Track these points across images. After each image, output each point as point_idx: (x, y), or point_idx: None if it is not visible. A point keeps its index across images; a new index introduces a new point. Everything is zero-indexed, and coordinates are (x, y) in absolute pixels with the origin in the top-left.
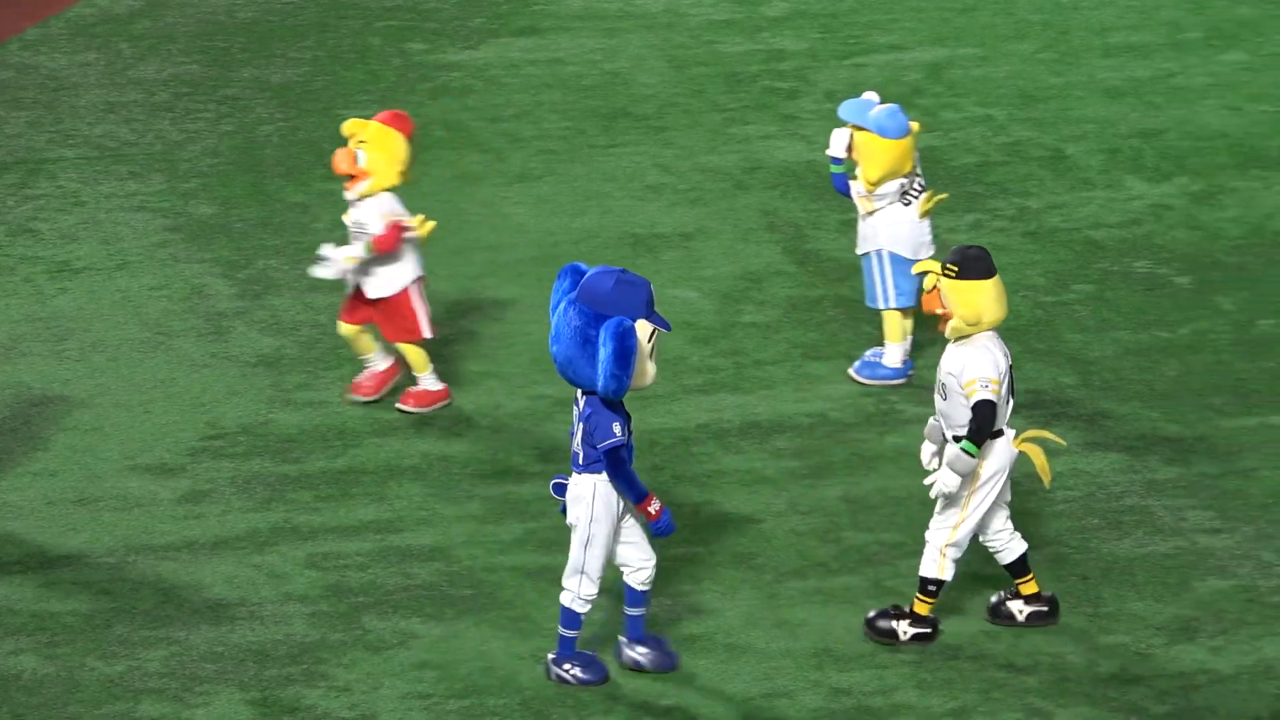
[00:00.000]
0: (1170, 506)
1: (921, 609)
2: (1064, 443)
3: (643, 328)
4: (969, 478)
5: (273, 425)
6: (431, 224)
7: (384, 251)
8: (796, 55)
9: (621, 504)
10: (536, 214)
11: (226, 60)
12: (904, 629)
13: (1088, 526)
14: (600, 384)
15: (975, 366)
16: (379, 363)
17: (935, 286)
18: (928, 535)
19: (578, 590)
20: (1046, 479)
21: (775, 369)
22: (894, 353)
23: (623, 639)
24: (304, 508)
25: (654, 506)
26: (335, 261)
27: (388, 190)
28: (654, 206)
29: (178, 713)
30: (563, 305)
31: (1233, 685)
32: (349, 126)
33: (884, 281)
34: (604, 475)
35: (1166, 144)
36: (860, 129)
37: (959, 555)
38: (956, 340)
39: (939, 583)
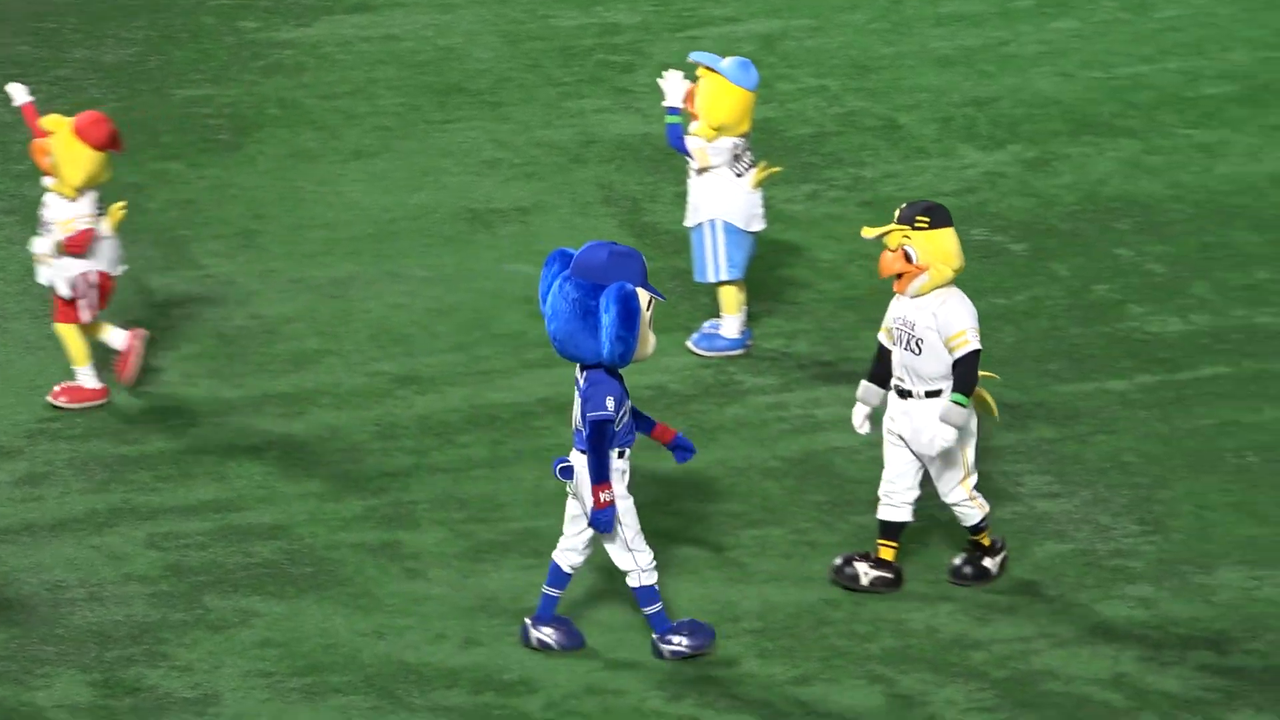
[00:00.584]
0: (1008, 472)
1: (985, 540)
2: (997, 377)
3: (640, 296)
4: (964, 433)
5: (110, 406)
6: (122, 212)
7: (73, 253)
8: (630, 29)
9: (578, 483)
10: (372, 191)
11: (58, 41)
12: (993, 564)
13: (926, 494)
14: (606, 350)
15: (961, 317)
16: (115, 343)
17: (901, 246)
18: (949, 500)
19: (637, 565)
20: (995, 413)
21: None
22: (731, 324)
23: (528, 619)
24: (143, 488)
25: (604, 496)
26: (43, 258)
27: (80, 190)
28: (490, 182)
29: (18, 695)
30: (556, 284)
31: (1072, 649)
32: (47, 123)
33: (715, 253)
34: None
35: (999, 112)
36: (711, 71)
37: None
38: (919, 295)
39: (985, 516)
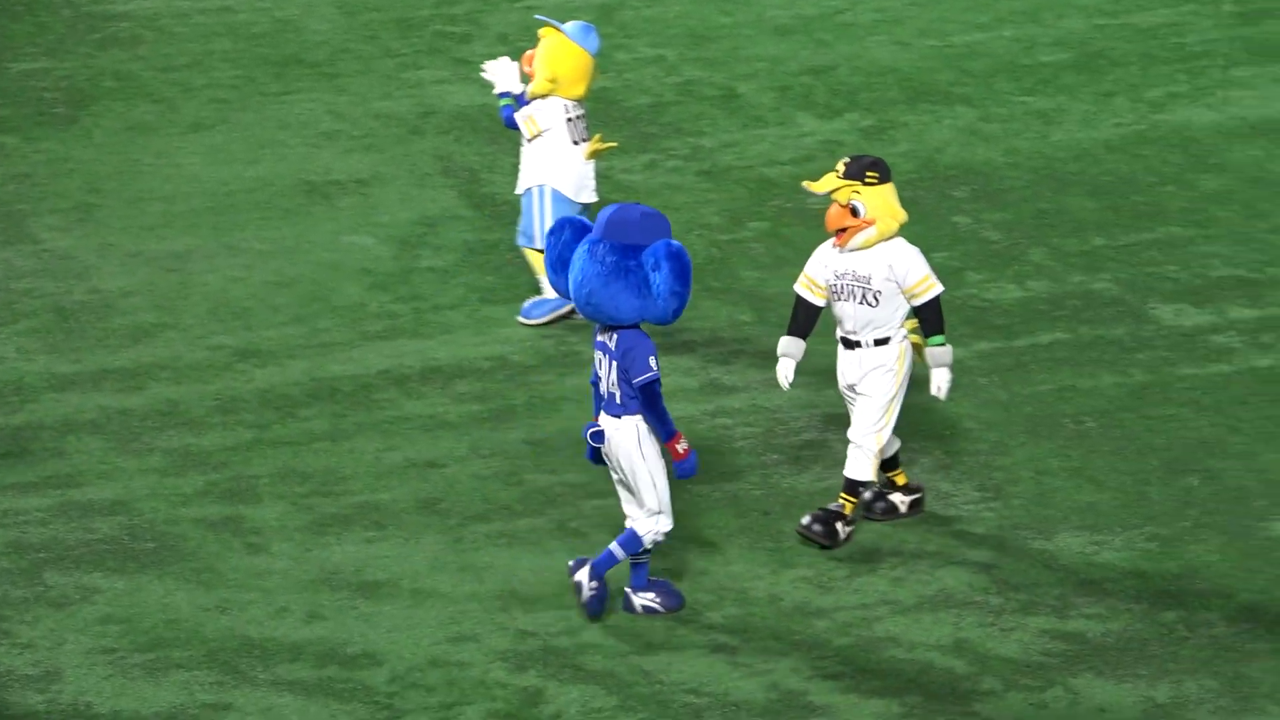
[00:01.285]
0: (847, 440)
1: (849, 507)
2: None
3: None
4: (894, 376)
5: None
6: None
7: None
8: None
9: (612, 442)
10: (210, 163)
11: None
12: (843, 531)
13: (768, 462)
14: (661, 306)
15: (921, 265)
16: None
17: (850, 201)
18: (854, 438)
19: (657, 528)
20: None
21: (454, 314)
22: (549, 285)
23: (628, 589)
24: None
25: (682, 445)
26: None
27: None
28: (328, 153)
29: None
30: (583, 249)
31: (914, 615)
32: None
33: (543, 219)
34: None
35: (837, 80)
36: (554, 29)
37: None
38: (863, 248)
39: (868, 484)
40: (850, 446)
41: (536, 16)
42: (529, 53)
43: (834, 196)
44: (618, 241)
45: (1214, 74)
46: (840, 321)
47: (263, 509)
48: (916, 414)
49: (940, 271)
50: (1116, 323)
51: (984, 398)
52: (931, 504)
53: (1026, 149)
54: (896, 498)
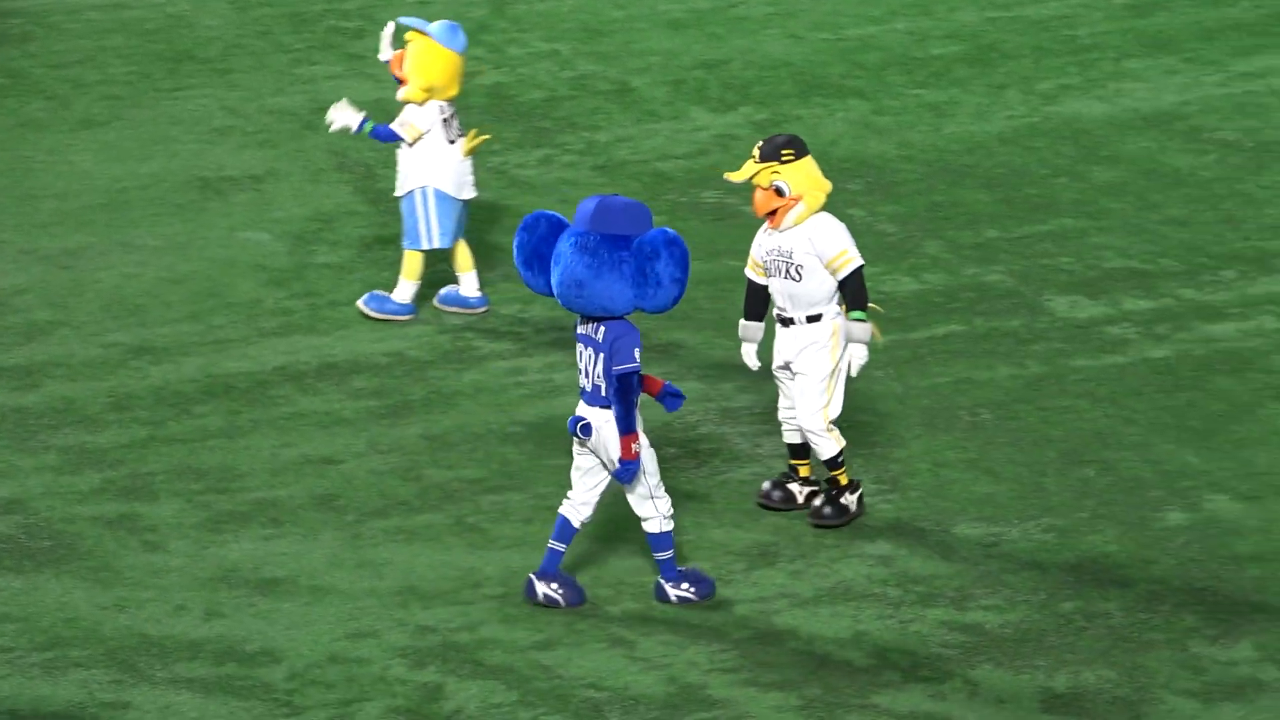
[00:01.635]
0: (746, 433)
1: (843, 477)
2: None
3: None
4: (828, 352)
5: None
6: None
7: None
8: None
9: (600, 434)
10: (103, 160)
11: None
12: (850, 501)
13: (664, 456)
14: (661, 294)
15: (839, 238)
16: None
17: (772, 183)
18: (803, 423)
19: (659, 512)
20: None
21: (350, 309)
22: (405, 290)
23: (533, 575)
24: None
25: (635, 447)
26: None
27: None
28: (222, 149)
29: None
30: (567, 243)
31: (812, 608)
32: None
33: (427, 221)
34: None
35: (730, 74)
36: (420, 34)
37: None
38: (799, 224)
39: (841, 450)
40: (808, 434)
41: (400, 21)
42: (398, 54)
43: (755, 181)
44: (606, 233)
45: (1105, 66)
46: (774, 299)
47: (159, 506)
48: None
49: None
50: (1011, 315)
51: (880, 390)
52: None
53: (920, 142)
54: (847, 499)
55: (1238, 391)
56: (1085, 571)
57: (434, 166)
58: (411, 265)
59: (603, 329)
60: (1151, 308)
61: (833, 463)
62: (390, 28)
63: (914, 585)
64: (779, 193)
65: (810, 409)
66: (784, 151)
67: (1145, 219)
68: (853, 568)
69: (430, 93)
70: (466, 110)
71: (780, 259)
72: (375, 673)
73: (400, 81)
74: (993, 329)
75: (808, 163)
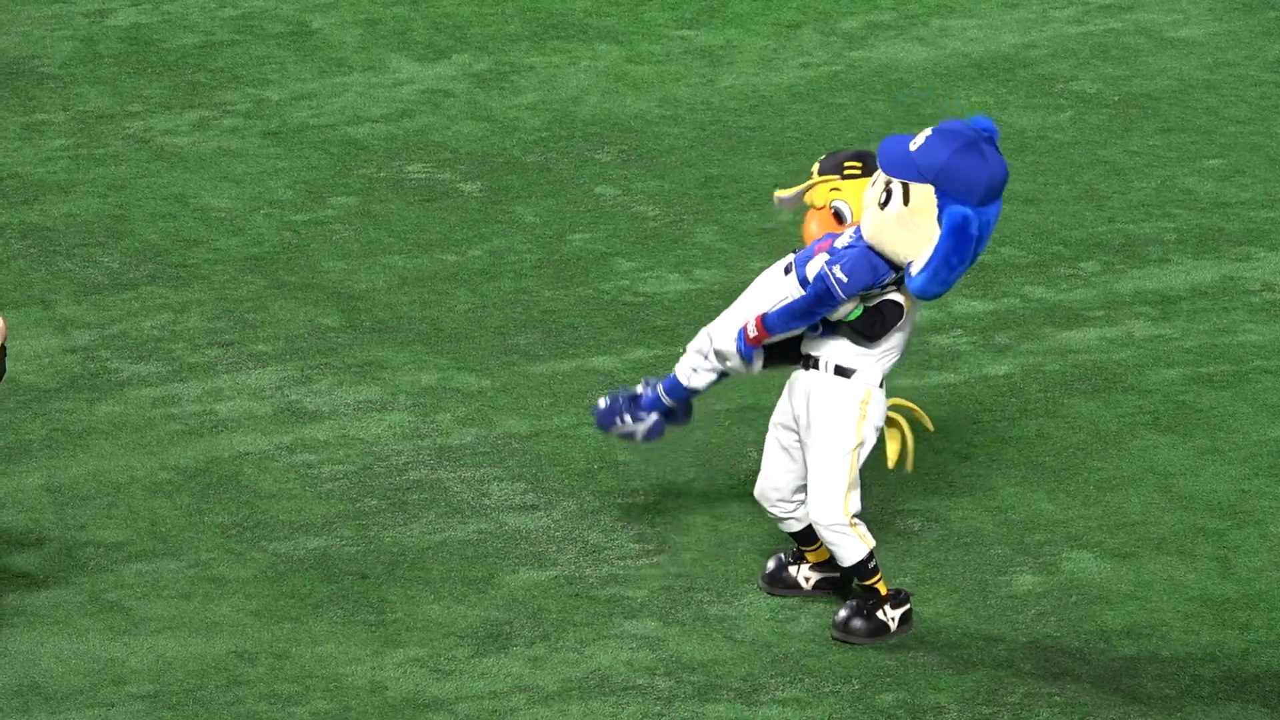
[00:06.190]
0: (469, 479)
1: (882, 586)
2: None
3: None
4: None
5: None
6: None
7: None
8: None
9: None
10: None
11: None
12: (891, 615)
13: (365, 510)
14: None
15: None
16: None
17: (828, 202)
18: (818, 521)
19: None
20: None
21: None
22: None
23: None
24: None
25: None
26: None
27: None
28: None
29: None
30: None
31: (559, 705)
32: None
33: None
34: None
35: (440, 12)
36: None
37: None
38: None
39: (871, 554)
40: (820, 530)
41: None
42: None
43: (809, 199)
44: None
45: None
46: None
47: None
48: (553, 445)
49: (581, 258)
50: None
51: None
52: (577, 561)
53: (688, 98)
54: (886, 613)
55: (1102, 417)
56: (910, 652)
57: None
58: None
59: None
60: (990, 311)
61: (861, 569)
62: None
63: (689, 674)
64: (838, 217)
65: (826, 496)
66: (849, 165)
67: None
68: (610, 652)
69: None
70: (96, 60)
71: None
72: None
73: None
74: None
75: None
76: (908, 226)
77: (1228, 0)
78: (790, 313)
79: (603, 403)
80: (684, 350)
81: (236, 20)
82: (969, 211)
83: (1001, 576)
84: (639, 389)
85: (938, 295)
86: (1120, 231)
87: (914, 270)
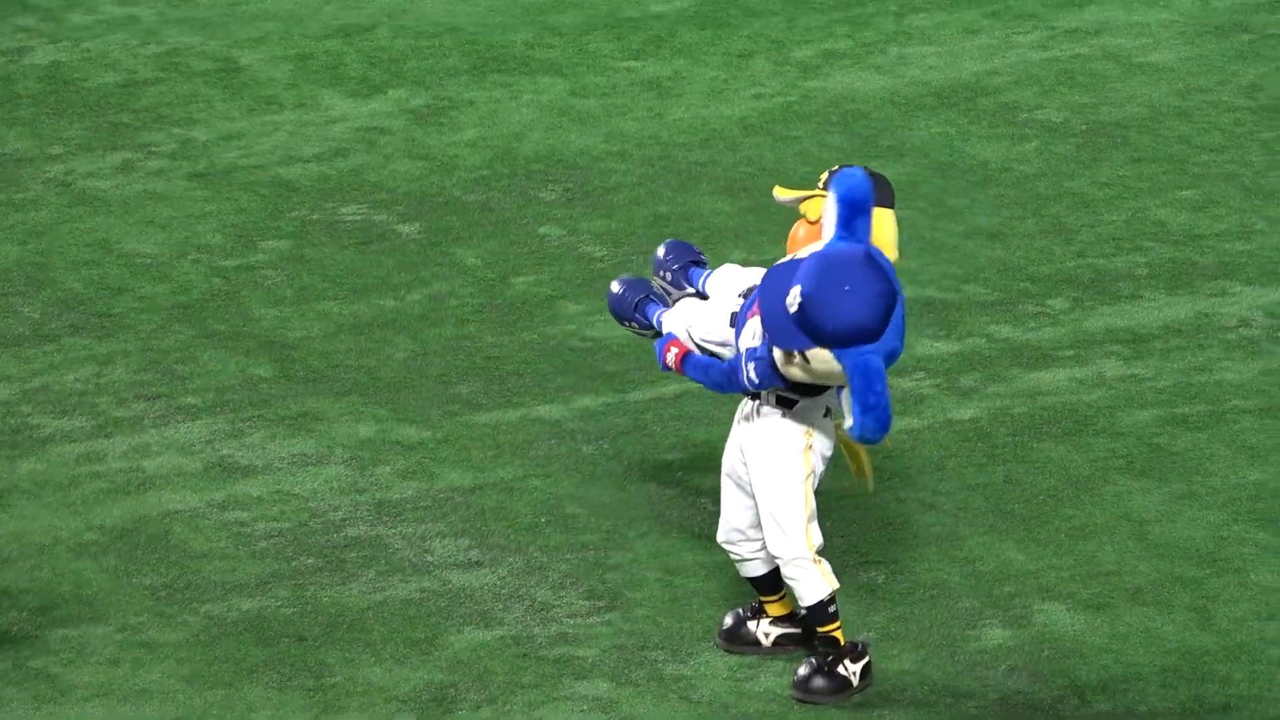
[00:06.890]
0: (410, 535)
1: (840, 635)
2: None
3: None
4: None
5: None
6: None
7: None
8: None
9: None
10: None
11: None
12: (852, 669)
13: (301, 569)
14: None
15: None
16: None
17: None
18: (780, 556)
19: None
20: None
21: None
22: None
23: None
24: None
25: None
26: None
27: None
28: None
29: None
30: None
31: None
32: None
33: None
34: None
35: (376, 44)
36: None
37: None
38: None
39: (833, 596)
40: (784, 566)
41: None
42: None
43: (803, 210)
44: None
45: (884, 24)
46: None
47: None
48: (498, 498)
49: (526, 302)
50: None
51: (591, 471)
52: (525, 619)
53: (636, 133)
54: (846, 668)
55: (1073, 462)
56: (874, 710)
57: None
58: None
59: None
60: (954, 352)
61: (822, 612)
62: None
63: None
64: None
65: (787, 531)
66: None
67: (943, 230)
68: (560, 715)
69: None
70: (13, 100)
71: None
72: None
73: None
74: None
75: (883, 216)
76: (811, 373)
77: (1199, 24)
78: (706, 374)
79: (616, 287)
80: (661, 325)
81: (161, 57)
82: (867, 352)
83: (970, 630)
84: (649, 294)
85: (883, 424)
86: (1090, 266)
87: (845, 425)
